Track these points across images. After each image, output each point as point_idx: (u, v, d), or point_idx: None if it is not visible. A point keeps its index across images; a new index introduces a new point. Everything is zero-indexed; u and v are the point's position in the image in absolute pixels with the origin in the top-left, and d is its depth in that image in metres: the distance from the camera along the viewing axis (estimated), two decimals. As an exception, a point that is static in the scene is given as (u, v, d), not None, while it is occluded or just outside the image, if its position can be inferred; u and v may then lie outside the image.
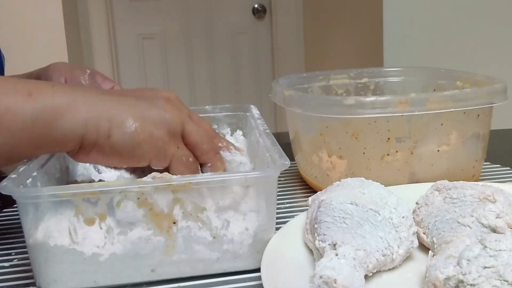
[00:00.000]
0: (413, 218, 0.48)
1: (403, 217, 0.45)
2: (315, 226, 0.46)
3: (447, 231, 0.44)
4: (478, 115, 0.62)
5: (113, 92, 0.52)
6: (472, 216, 0.44)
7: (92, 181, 0.58)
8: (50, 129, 0.46)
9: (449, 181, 0.50)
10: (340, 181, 0.51)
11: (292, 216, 0.57)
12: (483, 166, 0.67)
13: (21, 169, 0.47)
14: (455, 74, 0.73)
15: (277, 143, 0.52)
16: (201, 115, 0.67)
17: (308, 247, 0.48)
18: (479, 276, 0.35)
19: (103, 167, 0.64)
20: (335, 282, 0.37)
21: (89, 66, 0.86)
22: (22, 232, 0.45)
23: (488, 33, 1.85)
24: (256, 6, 2.84)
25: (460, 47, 1.87)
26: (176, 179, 0.45)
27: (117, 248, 0.45)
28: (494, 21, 1.85)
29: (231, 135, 0.69)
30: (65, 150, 0.48)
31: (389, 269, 0.45)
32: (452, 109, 0.59)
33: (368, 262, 0.42)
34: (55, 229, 0.44)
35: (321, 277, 0.38)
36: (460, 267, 0.36)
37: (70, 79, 0.74)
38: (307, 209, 0.51)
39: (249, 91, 2.92)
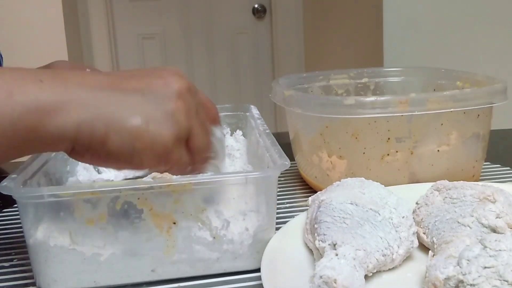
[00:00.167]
0: (413, 218, 0.48)
1: (403, 217, 0.45)
2: (315, 226, 0.46)
3: (447, 231, 0.44)
4: (478, 115, 0.62)
5: (113, 86, 0.44)
6: (472, 216, 0.44)
7: (92, 181, 0.58)
8: (34, 133, 0.41)
9: (449, 181, 0.50)
10: (340, 181, 0.51)
11: (292, 216, 0.57)
12: (483, 166, 0.67)
13: (21, 169, 0.47)
14: (455, 74, 0.73)
15: (277, 143, 0.52)
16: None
17: (308, 247, 0.48)
18: (479, 276, 0.35)
19: (103, 168, 0.65)
20: (335, 282, 0.37)
21: (89, 65, 0.85)
22: (22, 232, 0.45)
23: (488, 33, 1.85)
24: (256, 6, 2.84)
25: (460, 47, 1.87)
26: (176, 179, 0.45)
27: (117, 248, 0.45)
28: (494, 21, 1.85)
29: (231, 135, 0.69)
30: (55, 151, 0.44)
31: (389, 269, 0.45)
32: (452, 109, 0.59)
33: (368, 262, 0.42)
34: (55, 229, 0.44)
35: (321, 277, 0.38)
36: (460, 267, 0.36)
37: None
38: (307, 209, 0.51)
39: (249, 91, 2.92)
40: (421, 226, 0.48)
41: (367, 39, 2.13)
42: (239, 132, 0.69)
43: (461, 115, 0.60)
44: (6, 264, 0.51)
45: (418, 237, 0.47)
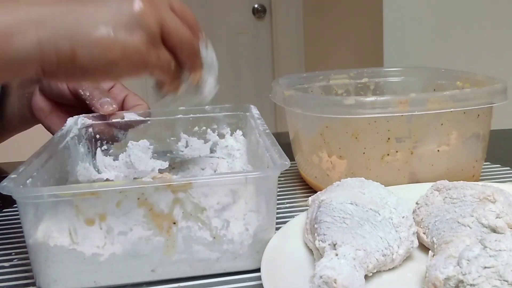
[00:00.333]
0: (413, 218, 0.48)
1: (403, 217, 0.45)
2: (315, 226, 0.46)
3: (447, 231, 0.44)
4: (478, 115, 0.62)
5: None
6: (472, 216, 0.44)
7: (91, 180, 0.58)
8: None
9: (449, 181, 0.50)
10: (340, 181, 0.51)
11: (292, 216, 0.57)
12: (483, 166, 0.67)
13: (21, 169, 0.47)
14: (455, 74, 0.73)
15: (277, 143, 0.52)
16: (200, 115, 0.67)
17: (308, 247, 0.48)
18: (479, 276, 0.35)
19: (103, 167, 0.65)
20: (335, 282, 0.37)
21: None
22: (22, 232, 0.45)
23: (488, 33, 1.85)
24: (256, 6, 2.84)
25: (460, 47, 1.87)
26: (176, 179, 0.45)
27: (117, 248, 0.45)
28: (494, 21, 1.85)
29: (231, 135, 0.69)
30: (27, 77, 0.42)
31: (389, 269, 0.45)
32: (452, 109, 0.59)
33: (368, 262, 0.42)
34: (55, 229, 0.44)
35: (321, 277, 0.38)
36: (460, 267, 0.36)
37: None
38: (307, 209, 0.51)
39: (249, 91, 2.92)
40: (421, 226, 0.48)
41: (367, 39, 2.13)
42: (239, 132, 0.69)
43: (461, 115, 0.60)
44: (6, 264, 0.51)
45: (418, 237, 0.47)
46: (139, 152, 0.65)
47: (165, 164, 0.65)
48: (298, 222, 0.51)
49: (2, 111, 0.75)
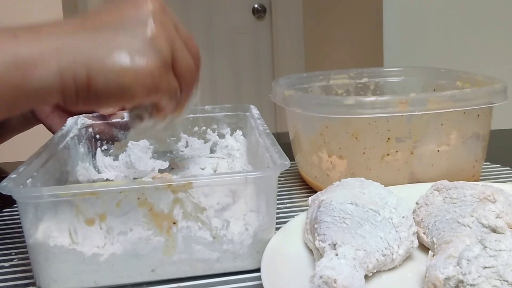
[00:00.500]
0: (413, 218, 0.48)
1: (403, 217, 0.45)
2: (315, 226, 0.45)
3: (447, 231, 0.44)
4: (478, 115, 0.62)
5: (86, 26, 0.43)
6: (472, 216, 0.44)
7: (91, 180, 0.58)
8: (19, 89, 0.40)
9: (449, 181, 0.50)
10: (340, 181, 0.51)
11: (292, 216, 0.57)
12: (483, 166, 0.67)
13: (21, 169, 0.47)
14: (455, 74, 0.73)
15: (277, 143, 0.52)
16: (200, 115, 0.67)
17: (308, 247, 0.48)
18: (479, 276, 0.35)
19: (103, 167, 0.65)
20: (335, 282, 0.37)
21: None
22: (22, 232, 0.45)
23: (488, 33, 1.85)
24: (256, 6, 2.84)
25: (460, 47, 1.88)
26: (176, 179, 0.45)
27: (117, 248, 0.45)
28: (494, 21, 1.85)
29: (231, 135, 0.69)
30: (48, 105, 0.43)
31: (389, 269, 0.45)
32: (452, 109, 0.59)
33: (368, 262, 0.42)
34: (55, 229, 0.44)
35: (321, 277, 0.38)
36: (460, 267, 0.36)
37: None
38: (307, 209, 0.51)
39: (249, 91, 2.92)
40: (421, 226, 0.48)
41: (367, 39, 2.13)
42: (239, 132, 0.69)
43: (461, 115, 0.60)
44: (6, 264, 0.51)
45: (418, 237, 0.47)
46: (139, 152, 0.65)
47: (165, 164, 0.65)
48: (298, 222, 0.51)
49: None
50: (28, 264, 0.47)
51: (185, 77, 0.45)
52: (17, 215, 0.62)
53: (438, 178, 0.53)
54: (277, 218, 0.52)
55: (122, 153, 0.66)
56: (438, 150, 0.61)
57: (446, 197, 0.48)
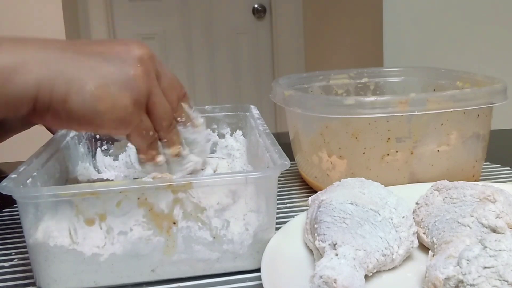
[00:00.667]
0: (413, 218, 0.48)
1: (403, 217, 0.45)
2: (315, 226, 0.46)
3: (447, 231, 0.44)
4: (478, 115, 0.62)
5: (76, 49, 0.45)
6: (472, 216, 0.44)
7: (91, 180, 0.58)
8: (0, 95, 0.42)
9: (449, 181, 0.50)
10: (340, 181, 0.51)
11: (292, 216, 0.57)
12: (483, 166, 0.67)
13: (21, 169, 0.47)
14: (455, 74, 0.73)
15: (277, 143, 0.52)
16: (200, 115, 0.67)
17: (308, 247, 0.48)
18: (479, 276, 0.35)
19: (103, 167, 0.65)
20: (335, 282, 0.37)
21: None
22: (22, 232, 0.45)
23: (489, 33, 1.85)
24: (256, 6, 2.84)
25: (460, 47, 1.87)
26: (176, 179, 0.45)
27: (117, 248, 0.45)
28: (494, 21, 1.85)
29: (231, 135, 0.69)
30: (19, 114, 0.44)
31: (389, 269, 0.45)
32: (452, 109, 0.59)
33: (368, 262, 0.42)
34: (55, 229, 0.44)
35: (321, 277, 0.38)
36: (460, 267, 0.36)
37: None
38: (307, 209, 0.51)
39: (249, 91, 2.92)
40: (421, 226, 0.48)
41: (367, 39, 2.13)
42: (239, 132, 0.69)
43: (461, 115, 0.60)
44: (6, 264, 0.51)
45: (418, 237, 0.47)
46: (139, 152, 0.65)
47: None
48: (298, 222, 0.51)
49: None
50: (28, 264, 0.47)
51: (161, 120, 0.48)
52: (17, 215, 0.62)
53: (438, 178, 0.53)
54: (277, 218, 0.52)
55: (122, 153, 0.66)
56: (438, 150, 0.61)
57: (446, 197, 0.48)
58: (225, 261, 0.47)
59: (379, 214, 0.45)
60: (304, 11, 2.83)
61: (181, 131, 0.52)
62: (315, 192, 0.54)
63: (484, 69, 1.43)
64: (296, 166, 0.71)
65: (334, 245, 0.42)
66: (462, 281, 0.36)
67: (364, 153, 0.60)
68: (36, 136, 0.77)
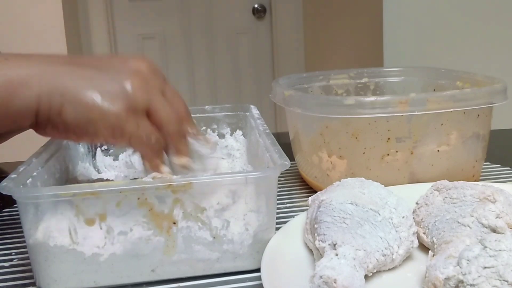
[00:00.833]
0: (413, 218, 0.48)
1: (403, 217, 0.46)
2: (315, 226, 0.46)
3: (447, 231, 0.44)
4: (478, 115, 0.62)
5: (74, 62, 0.47)
6: (472, 216, 0.44)
7: (91, 180, 0.58)
8: (5, 108, 0.43)
9: (449, 181, 0.50)
10: (340, 181, 0.51)
11: (292, 216, 0.57)
12: (483, 166, 0.67)
13: (21, 169, 0.47)
14: (455, 74, 0.73)
15: (277, 143, 0.52)
16: (200, 115, 0.67)
17: (308, 247, 0.48)
18: (479, 276, 0.35)
19: (103, 167, 0.65)
20: (335, 282, 0.37)
21: None
22: (22, 232, 0.45)
23: (488, 33, 1.85)
24: (256, 6, 2.84)
25: (460, 47, 1.87)
26: (176, 179, 0.45)
27: (117, 248, 0.45)
28: (494, 21, 1.85)
29: (231, 135, 0.69)
30: (22, 127, 0.46)
31: (389, 269, 0.45)
32: (452, 109, 0.59)
33: (368, 262, 0.42)
34: (55, 229, 0.44)
35: (321, 277, 0.38)
36: (460, 267, 0.36)
37: None
38: (307, 209, 0.51)
39: (249, 91, 2.92)
40: (421, 226, 0.48)
41: (367, 39, 2.13)
42: (239, 132, 0.69)
43: (461, 115, 0.60)
44: (6, 264, 0.51)
45: (418, 237, 0.47)
46: (139, 152, 0.65)
47: None
48: (298, 222, 0.51)
49: None
50: (28, 264, 0.47)
51: (167, 124, 0.48)
52: (17, 215, 0.62)
53: (438, 178, 0.53)
54: (277, 218, 0.52)
55: (122, 153, 0.66)
56: (438, 150, 0.61)
57: (446, 197, 0.48)
58: (225, 261, 0.47)
59: (379, 214, 0.45)
60: (304, 11, 2.83)
61: (192, 144, 0.51)
62: (315, 192, 0.54)
63: (484, 69, 1.43)
64: (296, 166, 0.71)
65: (334, 245, 0.42)
66: (462, 281, 0.36)
67: (364, 153, 0.60)
68: (36, 136, 0.77)
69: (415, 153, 0.60)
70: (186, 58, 2.84)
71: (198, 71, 2.86)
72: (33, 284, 0.47)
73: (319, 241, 0.44)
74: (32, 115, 0.44)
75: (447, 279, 0.36)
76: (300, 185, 0.70)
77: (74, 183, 0.57)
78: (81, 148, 0.63)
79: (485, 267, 0.35)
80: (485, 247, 0.36)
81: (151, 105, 0.47)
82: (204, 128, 0.69)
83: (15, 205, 0.65)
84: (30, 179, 0.47)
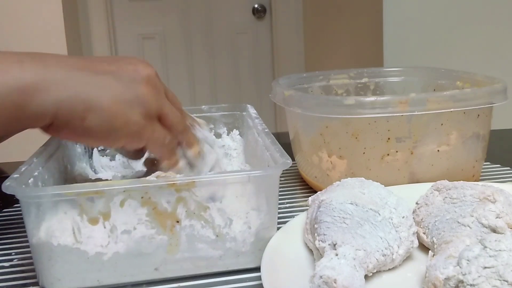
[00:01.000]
0: (413, 218, 0.48)
1: (403, 217, 0.46)
2: (315, 226, 0.46)
3: (447, 231, 0.44)
4: (478, 115, 0.62)
5: (89, 67, 0.48)
6: (472, 216, 0.44)
7: (89, 181, 0.58)
8: (19, 111, 0.44)
9: (449, 181, 0.50)
10: (340, 181, 0.51)
11: (292, 216, 0.58)
12: (483, 166, 0.67)
13: (23, 169, 0.47)
14: (455, 74, 0.73)
15: (277, 142, 0.52)
16: (197, 115, 0.67)
17: (308, 247, 0.48)
18: (479, 276, 0.35)
19: (99, 168, 0.65)
20: (335, 282, 0.37)
21: None
22: (22, 232, 0.45)
23: (488, 33, 1.85)
24: (256, 6, 2.84)
25: (460, 47, 1.87)
26: (179, 178, 0.45)
27: (120, 247, 0.45)
28: (495, 22, 1.85)
29: (228, 135, 0.69)
30: (33, 128, 0.47)
31: (389, 269, 0.45)
32: (452, 109, 0.59)
33: (368, 262, 0.42)
34: (59, 229, 0.44)
35: (321, 277, 0.38)
36: (460, 267, 0.36)
37: None
38: (307, 209, 0.51)
39: (249, 91, 2.92)
40: (421, 226, 0.48)
41: (367, 39, 2.13)
42: (235, 132, 0.69)
43: (461, 115, 0.61)
44: (6, 264, 0.51)
45: (418, 237, 0.47)
46: (135, 152, 0.65)
47: None
48: (298, 222, 0.51)
49: None
50: (28, 264, 0.48)
51: (177, 125, 0.52)
52: (17, 215, 0.62)
53: (438, 178, 0.53)
54: (277, 218, 0.52)
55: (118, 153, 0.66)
56: (438, 150, 0.61)
57: (446, 197, 0.48)
58: (227, 259, 0.47)
59: (379, 214, 0.45)
60: (304, 11, 2.83)
61: (196, 132, 0.56)
62: (315, 192, 0.55)
63: (484, 69, 1.43)
64: (296, 166, 0.72)
65: (334, 245, 0.42)
66: (462, 281, 0.36)
67: (364, 153, 0.60)
68: (36, 136, 0.77)
69: (415, 153, 0.61)
70: (186, 58, 2.84)
71: (198, 71, 2.86)
72: (33, 284, 0.47)
73: (319, 241, 0.44)
74: (48, 119, 0.45)
75: (447, 279, 0.37)
76: (300, 185, 0.70)
77: (72, 183, 0.57)
78: (78, 148, 0.63)
79: (485, 267, 0.35)
80: (485, 247, 0.37)
81: (162, 110, 0.50)
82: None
83: (15, 205, 0.65)
84: (32, 179, 0.47)
